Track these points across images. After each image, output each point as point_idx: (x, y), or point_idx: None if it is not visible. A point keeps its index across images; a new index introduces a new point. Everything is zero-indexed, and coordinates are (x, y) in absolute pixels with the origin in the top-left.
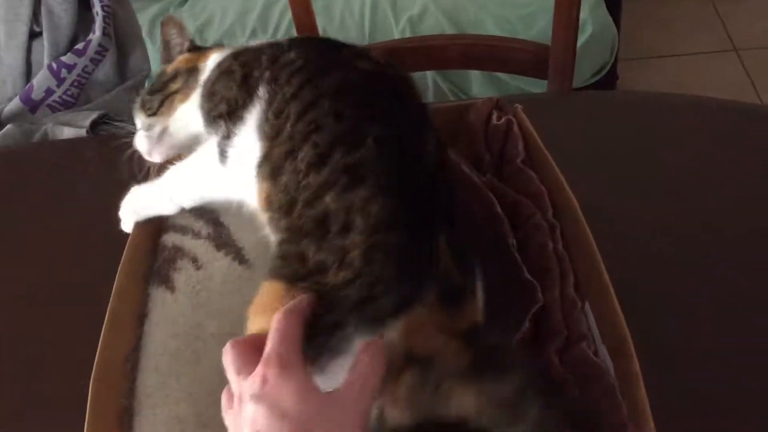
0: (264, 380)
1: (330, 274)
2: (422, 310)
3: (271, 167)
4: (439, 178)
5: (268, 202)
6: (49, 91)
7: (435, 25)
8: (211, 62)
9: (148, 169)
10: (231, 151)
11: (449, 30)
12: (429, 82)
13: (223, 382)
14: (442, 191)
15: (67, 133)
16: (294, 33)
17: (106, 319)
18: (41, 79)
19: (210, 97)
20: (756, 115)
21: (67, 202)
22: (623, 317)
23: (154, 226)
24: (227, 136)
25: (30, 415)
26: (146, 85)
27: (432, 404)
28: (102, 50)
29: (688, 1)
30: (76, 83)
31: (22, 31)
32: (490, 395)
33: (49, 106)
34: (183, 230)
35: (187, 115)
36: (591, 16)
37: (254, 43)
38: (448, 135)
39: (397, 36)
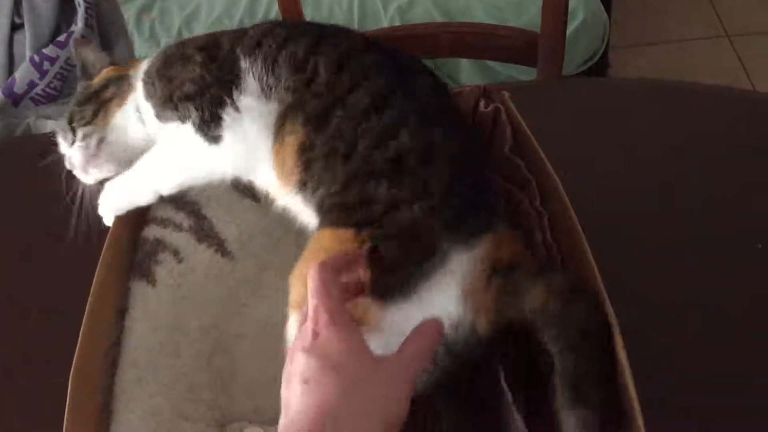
0: (314, 334)
1: (403, 209)
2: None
3: (306, 117)
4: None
5: (302, 152)
6: (31, 84)
7: (424, 12)
8: (144, 65)
9: (80, 192)
10: (224, 125)
11: (439, 18)
12: None
13: (204, 374)
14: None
15: (50, 126)
16: None
17: (85, 313)
18: (23, 71)
19: (167, 82)
20: (749, 101)
21: (49, 195)
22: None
23: (135, 219)
24: (209, 117)
25: (8, 411)
26: None
27: (512, 305)
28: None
29: None
30: (58, 76)
31: (4, 23)
32: (553, 286)
33: (32, 99)
34: (164, 223)
35: (126, 119)
36: (582, 3)
37: None
38: None
39: (386, 24)
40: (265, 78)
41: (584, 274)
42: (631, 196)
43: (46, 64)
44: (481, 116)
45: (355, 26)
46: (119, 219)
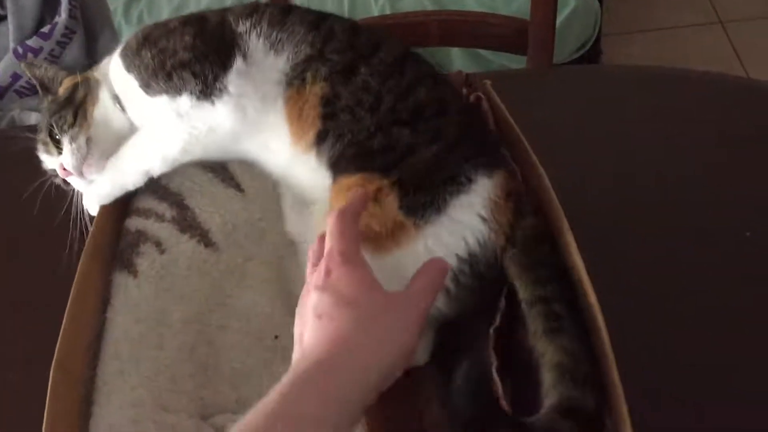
0: (327, 272)
1: (423, 150)
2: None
3: (330, 71)
4: None
5: (326, 103)
6: (15, 77)
7: (415, 1)
8: (106, 60)
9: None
10: (228, 82)
11: (429, 6)
12: None
13: (187, 365)
14: None
15: (35, 119)
16: None
17: (68, 305)
18: (7, 63)
19: (157, 52)
20: (742, 87)
21: (33, 189)
22: (599, 305)
23: (118, 210)
24: (213, 79)
25: None
26: None
27: (518, 224)
28: (69, 33)
29: None
30: None
31: None
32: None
33: (16, 91)
34: (146, 214)
35: (105, 112)
36: None
37: None
38: None
39: (376, 13)
40: (274, 33)
41: (570, 265)
42: (621, 185)
43: (29, 56)
44: None
45: (346, 15)
46: (103, 210)
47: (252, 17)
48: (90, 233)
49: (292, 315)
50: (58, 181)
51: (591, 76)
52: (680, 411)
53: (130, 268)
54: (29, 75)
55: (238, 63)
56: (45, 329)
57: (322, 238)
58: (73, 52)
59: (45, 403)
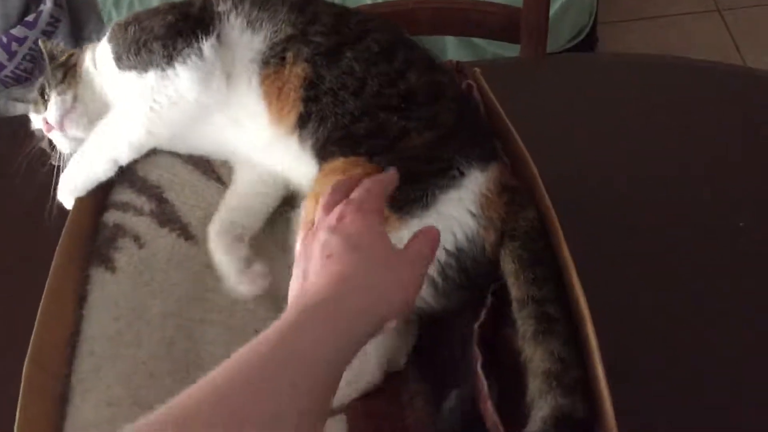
0: (341, 216)
1: (414, 136)
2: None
3: (312, 53)
4: None
5: (308, 86)
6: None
7: None
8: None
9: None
10: (198, 54)
11: None
12: None
13: (166, 362)
14: None
15: (21, 109)
16: None
17: (42, 301)
18: None
19: (138, 28)
20: (740, 75)
21: (19, 179)
22: (585, 299)
23: (95, 204)
24: (183, 45)
25: None
26: None
27: (515, 216)
28: (54, 21)
29: None
30: (28, 57)
31: None
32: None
33: (1, 81)
34: (124, 207)
35: (88, 72)
36: None
37: None
38: None
39: (368, 1)
40: (255, 12)
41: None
42: (615, 178)
43: (14, 45)
44: None
45: (337, 1)
46: (79, 203)
47: None
48: (65, 227)
49: (276, 309)
50: (43, 145)
51: (585, 64)
52: (677, 403)
53: (108, 264)
54: (43, 50)
55: (211, 39)
56: (18, 326)
57: (337, 190)
58: (59, 40)
59: (16, 401)
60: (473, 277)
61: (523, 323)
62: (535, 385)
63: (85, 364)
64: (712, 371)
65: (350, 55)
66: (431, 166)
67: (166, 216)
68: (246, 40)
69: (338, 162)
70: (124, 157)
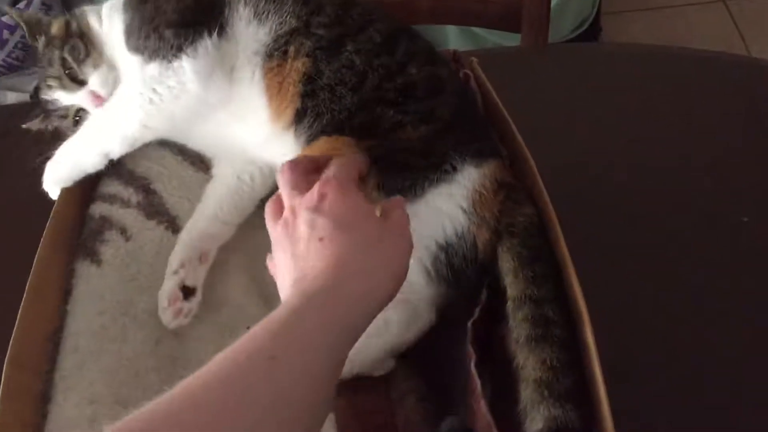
0: (322, 196)
1: (410, 129)
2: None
3: (313, 47)
4: None
5: (307, 81)
6: None
7: None
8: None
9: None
10: (205, 45)
11: None
12: None
13: (151, 359)
14: None
15: (11, 98)
16: None
17: (25, 295)
18: None
19: (154, 7)
20: (744, 66)
21: (9, 169)
22: (583, 299)
23: (81, 196)
24: (192, 39)
25: None
26: None
27: (511, 212)
28: (46, 9)
29: None
30: (20, 45)
31: None
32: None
33: None
34: (111, 199)
35: (101, 37)
36: None
37: None
38: None
39: None
40: (262, 3)
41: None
42: (616, 170)
43: (5, 33)
44: None
45: None
46: (64, 195)
47: None
48: (50, 219)
49: (266, 306)
50: (67, 123)
51: (586, 54)
52: (675, 399)
53: (94, 257)
54: (18, 20)
55: (218, 30)
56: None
57: (296, 166)
58: None
59: None
60: (463, 274)
61: (518, 326)
62: (527, 393)
63: (69, 360)
64: (712, 371)
65: (351, 48)
66: (424, 160)
67: (154, 208)
68: (252, 31)
69: (320, 141)
70: (116, 151)
